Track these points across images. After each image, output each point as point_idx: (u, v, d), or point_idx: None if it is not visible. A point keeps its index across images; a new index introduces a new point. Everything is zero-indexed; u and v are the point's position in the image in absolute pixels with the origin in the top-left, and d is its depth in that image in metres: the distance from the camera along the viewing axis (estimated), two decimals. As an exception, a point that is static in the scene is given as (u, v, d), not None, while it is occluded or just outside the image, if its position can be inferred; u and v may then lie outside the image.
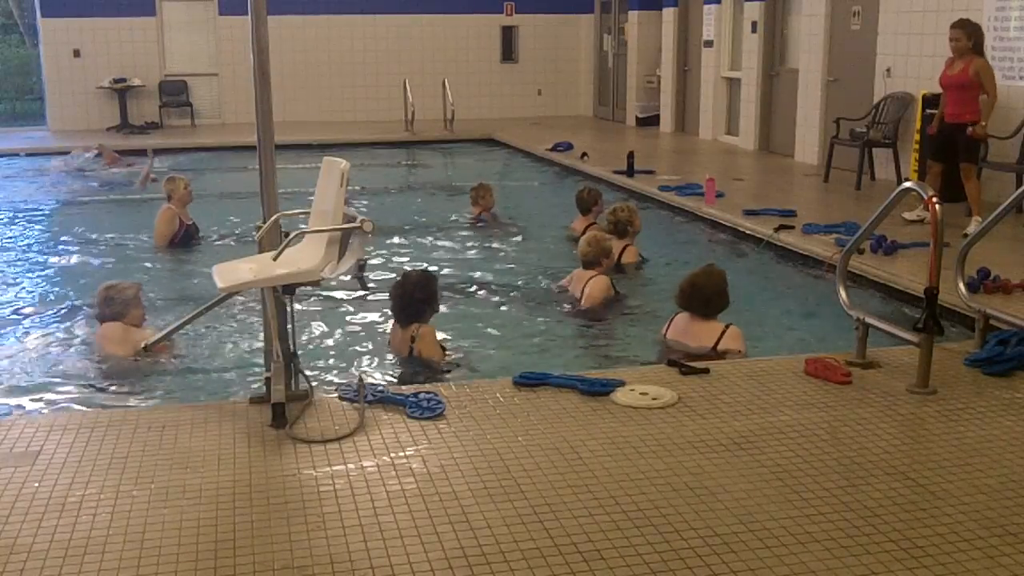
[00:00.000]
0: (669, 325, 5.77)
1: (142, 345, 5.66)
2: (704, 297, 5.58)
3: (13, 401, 5.28)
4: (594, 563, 3.13)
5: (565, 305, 6.91)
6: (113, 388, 5.47)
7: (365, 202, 11.48)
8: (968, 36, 8.31)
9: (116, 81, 18.09)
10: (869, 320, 5.07)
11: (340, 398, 4.55)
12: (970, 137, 8.30)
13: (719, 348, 5.47)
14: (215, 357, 6.01)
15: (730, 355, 5.41)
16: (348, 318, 6.81)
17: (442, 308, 6.05)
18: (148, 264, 8.56)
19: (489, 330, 6.61)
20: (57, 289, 7.78)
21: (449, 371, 5.59)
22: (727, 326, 5.55)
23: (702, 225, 9.61)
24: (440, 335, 5.85)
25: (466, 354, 5.98)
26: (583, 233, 7.78)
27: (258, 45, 4.43)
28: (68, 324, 6.70)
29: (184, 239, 8.97)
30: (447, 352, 5.76)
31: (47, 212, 11.46)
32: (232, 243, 9.08)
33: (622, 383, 4.66)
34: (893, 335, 5.02)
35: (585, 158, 13.49)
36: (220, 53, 18.70)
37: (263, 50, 4.44)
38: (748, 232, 8.80)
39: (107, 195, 12.37)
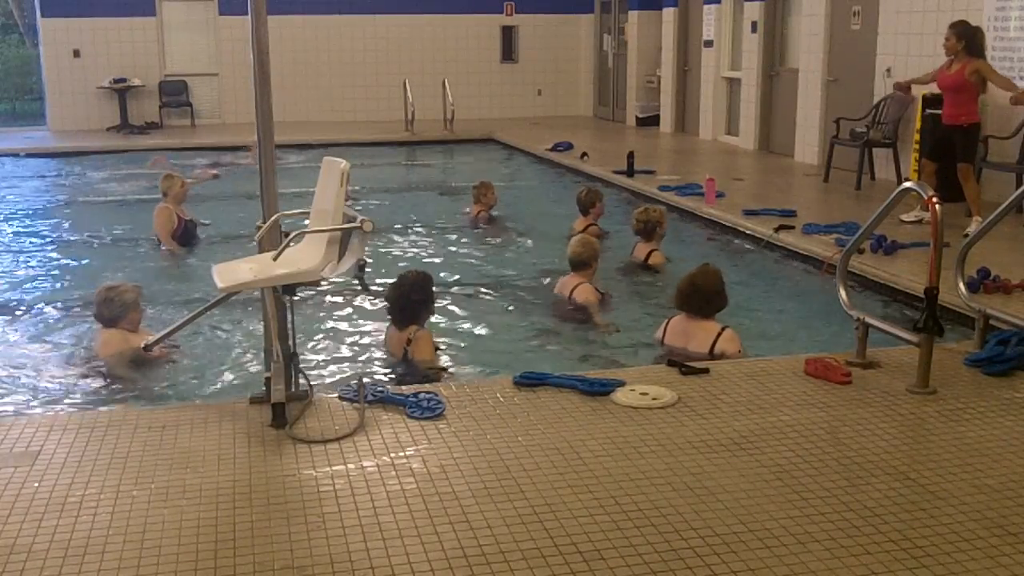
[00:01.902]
0: (665, 328, 5.73)
1: (142, 345, 5.66)
2: (704, 296, 5.55)
3: (13, 401, 5.28)
4: (594, 563, 3.13)
5: (555, 308, 6.89)
6: (113, 388, 5.47)
7: (368, 202, 11.47)
8: (958, 37, 8.31)
9: (116, 81, 18.10)
10: (869, 320, 5.07)
11: (340, 398, 4.55)
12: (966, 135, 8.31)
13: (715, 351, 5.45)
14: (215, 357, 6.01)
15: (726, 358, 5.40)
16: (348, 318, 6.81)
17: (442, 307, 6.05)
18: (148, 264, 8.57)
19: (489, 330, 6.61)
20: (58, 288, 7.78)
21: (445, 370, 5.59)
22: (723, 328, 5.54)
23: (702, 225, 9.61)
24: (439, 337, 5.85)
25: (463, 357, 5.98)
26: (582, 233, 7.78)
27: (258, 45, 4.43)
28: (69, 324, 6.70)
29: (185, 235, 9.04)
30: (440, 350, 5.74)
31: (48, 211, 11.47)
32: (232, 243, 9.07)
33: (622, 383, 4.66)
34: (893, 335, 5.02)
35: (585, 158, 13.49)
36: (220, 53, 18.70)
37: (263, 50, 4.44)
38: (748, 232, 8.81)
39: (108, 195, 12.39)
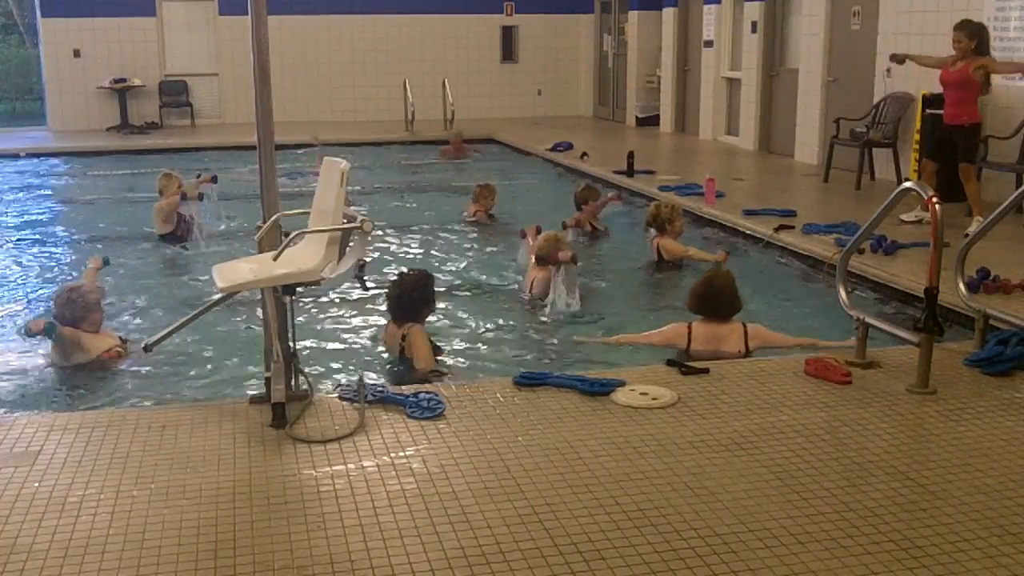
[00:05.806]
0: (689, 336, 5.63)
1: (142, 345, 5.65)
2: (727, 298, 5.56)
3: (13, 401, 5.28)
4: (594, 563, 3.13)
5: (522, 302, 7.00)
6: (113, 388, 5.47)
7: (368, 202, 11.47)
8: (970, 37, 8.29)
9: (116, 81, 18.10)
10: (869, 320, 5.07)
11: (340, 398, 4.55)
12: (967, 135, 8.30)
13: (750, 347, 5.48)
14: (215, 357, 6.00)
15: (767, 346, 5.44)
16: (348, 318, 6.81)
17: (441, 307, 6.05)
18: (148, 264, 8.57)
19: (489, 330, 6.60)
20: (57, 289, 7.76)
21: (443, 373, 5.56)
22: (744, 324, 5.55)
23: (702, 225, 9.60)
24: (439, 339, 5.84)
25: (463, 357, 5.97)
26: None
27: (258, 45, 4.43)
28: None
29: (187, 233, 9.12)
30: (440, 352, 5.73)
31: (48, 211, 11.46)
32: (232, 243, 9.08)
33: (622, 383, 4.66)
34: (893, 335, 5.02)
35: (585, 158, 13.49)
36: (220, 53, 18.70)
37: (263, 50, 4.44)
38: (748, 232, 8.80)
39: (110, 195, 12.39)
